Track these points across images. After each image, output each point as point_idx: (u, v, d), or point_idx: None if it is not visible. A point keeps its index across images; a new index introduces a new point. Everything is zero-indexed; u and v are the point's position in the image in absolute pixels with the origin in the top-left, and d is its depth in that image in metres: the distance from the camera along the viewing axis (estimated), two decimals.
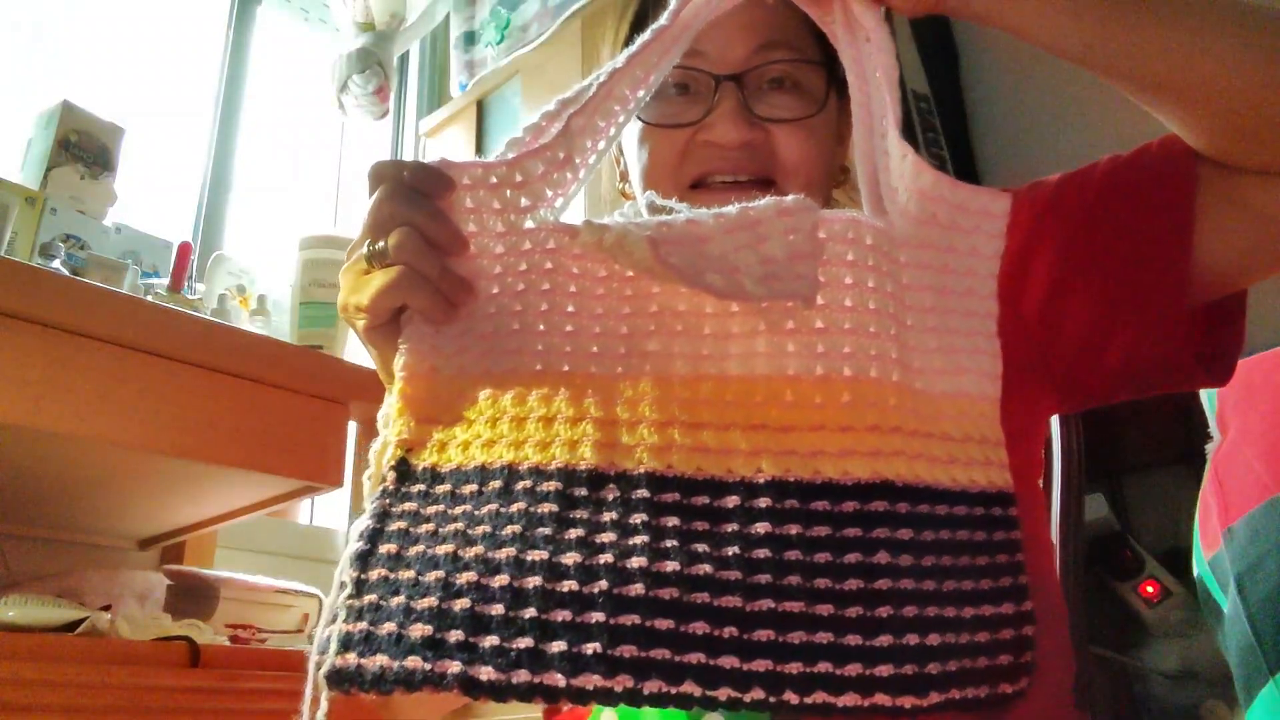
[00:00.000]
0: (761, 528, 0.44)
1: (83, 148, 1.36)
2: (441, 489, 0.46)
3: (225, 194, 2.13)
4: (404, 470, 0.47)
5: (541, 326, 0.51)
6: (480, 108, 2.26)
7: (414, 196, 0.50)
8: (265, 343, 1.15)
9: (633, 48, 0.55)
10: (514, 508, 0.44)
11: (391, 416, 0.49)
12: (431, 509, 0.45)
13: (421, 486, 0.46)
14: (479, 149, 2.23)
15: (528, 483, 0.45)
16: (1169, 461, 1.56)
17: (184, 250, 1.40)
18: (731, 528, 0.44)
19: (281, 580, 1.28)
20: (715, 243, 0.46)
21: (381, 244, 0.50)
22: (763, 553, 0.43)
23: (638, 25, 0.75)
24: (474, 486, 0.45)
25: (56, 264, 1.16)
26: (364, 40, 2.30)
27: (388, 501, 0.46)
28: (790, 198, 0.49)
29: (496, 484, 0.45)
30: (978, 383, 0.52)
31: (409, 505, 0.46)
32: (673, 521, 0.44)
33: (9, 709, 0.80)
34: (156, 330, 1.00)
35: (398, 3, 2.35)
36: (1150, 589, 1.26)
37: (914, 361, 0.51)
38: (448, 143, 2.33)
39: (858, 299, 0.50)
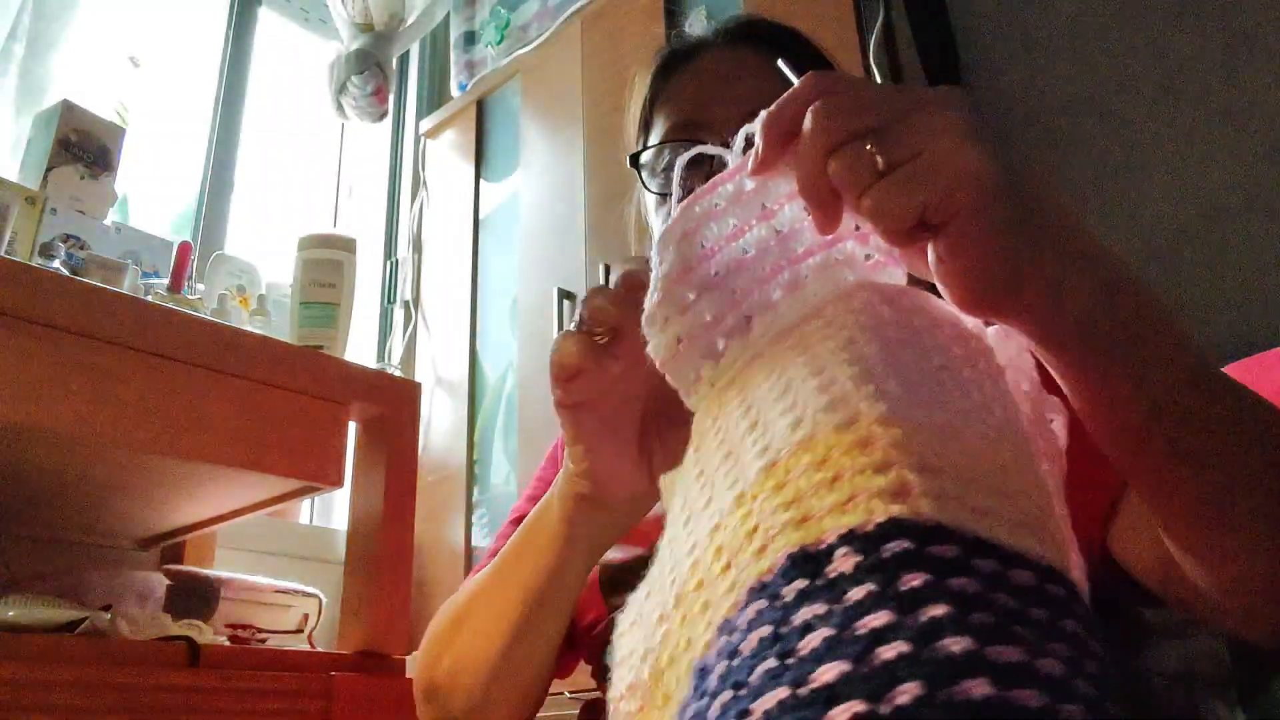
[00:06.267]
0: None
1: (83, 148, 1.36)
2: None
3: (225, 194, 2.13)
4: None
5: None
6: (480, 108, 2.26)
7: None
8: (265, 343, 1.15)
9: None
10: None
11: None
12: None
13: None
14: (479, 149, 2.23)
15: None
16: None
17: (184, 250, 1.40)
18: None
19: (281, 580, 1.29)
20: None
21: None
22: None
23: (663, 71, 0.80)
24: None
25: (56, 264, 1.16)
26: (362, 41, 2.30)
27: None
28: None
29: None
30: None
31: None
32: None
33: (9, 709, 0.80)
34: (156, 330, 1.00)
35: (397, 3, 2.35)
36: None
37: None
38: (448, 143, 2.33)
39: None
